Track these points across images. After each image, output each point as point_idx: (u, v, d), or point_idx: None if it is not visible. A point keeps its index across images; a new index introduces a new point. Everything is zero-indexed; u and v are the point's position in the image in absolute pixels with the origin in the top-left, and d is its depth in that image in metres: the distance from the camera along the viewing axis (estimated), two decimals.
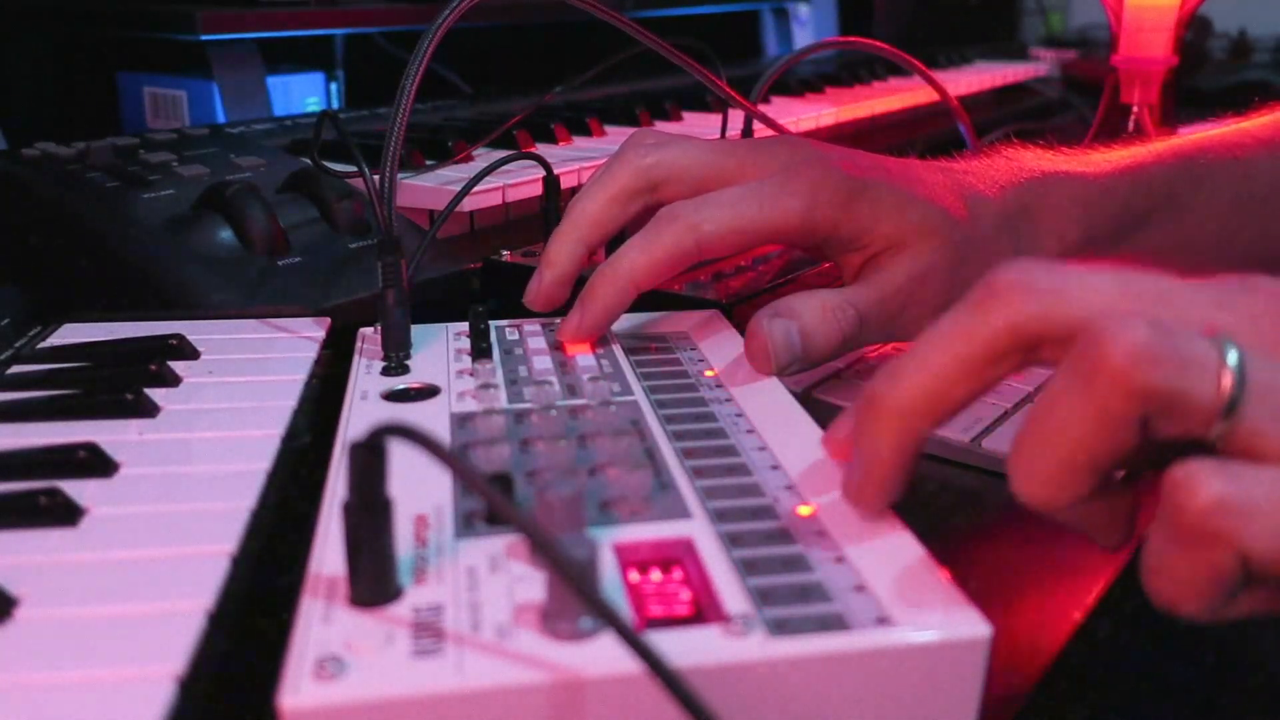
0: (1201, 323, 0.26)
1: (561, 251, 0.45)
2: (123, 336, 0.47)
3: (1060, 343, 0.27)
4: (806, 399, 0.47)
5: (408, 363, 0.43)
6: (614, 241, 0.47)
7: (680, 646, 0.24)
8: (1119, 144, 0.54)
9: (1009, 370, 0.28)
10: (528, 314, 0.48)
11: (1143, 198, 0.52)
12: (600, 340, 0.45)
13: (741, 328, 0.48)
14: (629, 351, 0.44)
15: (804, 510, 0.31)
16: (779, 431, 0.37)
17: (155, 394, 0.41)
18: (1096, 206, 0.50)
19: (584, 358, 0.43)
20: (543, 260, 0.45)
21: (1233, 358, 0.24)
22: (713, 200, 0.43)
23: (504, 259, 0.58)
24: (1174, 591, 0.25)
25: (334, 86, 0.95)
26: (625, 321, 0.47)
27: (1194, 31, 1.37)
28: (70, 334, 0.48)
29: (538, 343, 0.45)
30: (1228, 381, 0.24)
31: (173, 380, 0.43)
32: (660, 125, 0.91)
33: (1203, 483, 0.23)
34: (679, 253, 0.42)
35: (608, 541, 0.29)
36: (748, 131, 0.73)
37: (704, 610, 0.27)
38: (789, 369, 0.41)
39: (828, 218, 0.43)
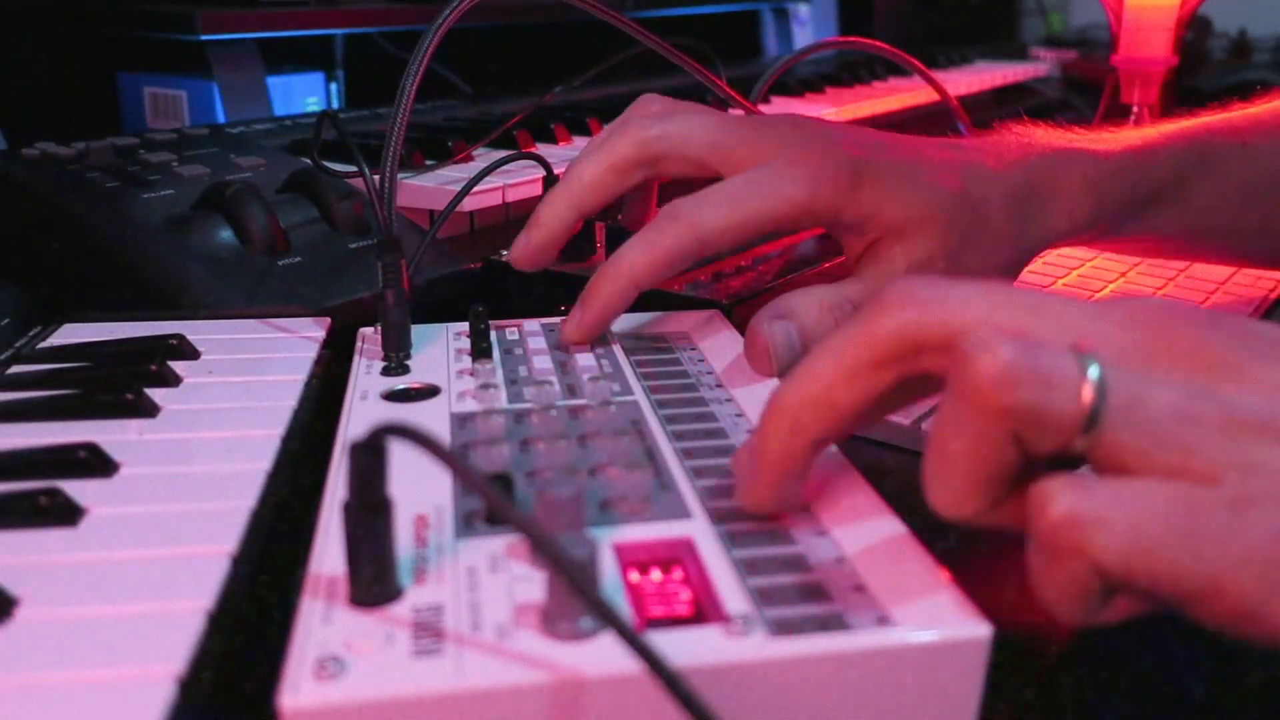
0: (1073, 333, 0.26)
1: (552, 213, 0.44)
2: (123, 336, 0.47)
3: (938, 351, 0.27)
4: None
5: (408, 363, 0.43)
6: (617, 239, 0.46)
7: (680, 646, 0.24)
8: (1129, 125, 0.54)
9: (893, 378, 0.28)
10: (528, 314, 0.48)
11: (1152, 178, 0.51)
12: (600, 340, 0.45)
13: (741, 328, 0.48)
14: (629, 351, 0.44)
15: (803, 509, 0.31)
16: None
17: (155, 394, 0.41)
18: (1107, 185, 0.50)
19: (584, 357, 0.43)
20: (531, 219, 0.45)
21: (1094, 372, 0.25)
22: (713, 197, 0.43)
23: (504, 259, 0.58)
24: (1048, 599, 0.25)
25: (334, 86, 0.95)
26: (625, 321, 0.47)
27: (1194, 31, 1.37)
28: (70, 334, 0.48)
29: (538, 343, 0.45)
30: (1088, 396, 0.25)
31: (173, 380, 0.43)
32: None
33: (1053, 497, 0.24)
34: (681, 252, 0.42)
35: (608, 541, 0.29)
36: None
37: (704, 610, 0.27)
38: (790, 370, 0.41)
39: (830, 204, 0.43)
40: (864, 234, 0.44)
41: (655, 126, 0.45)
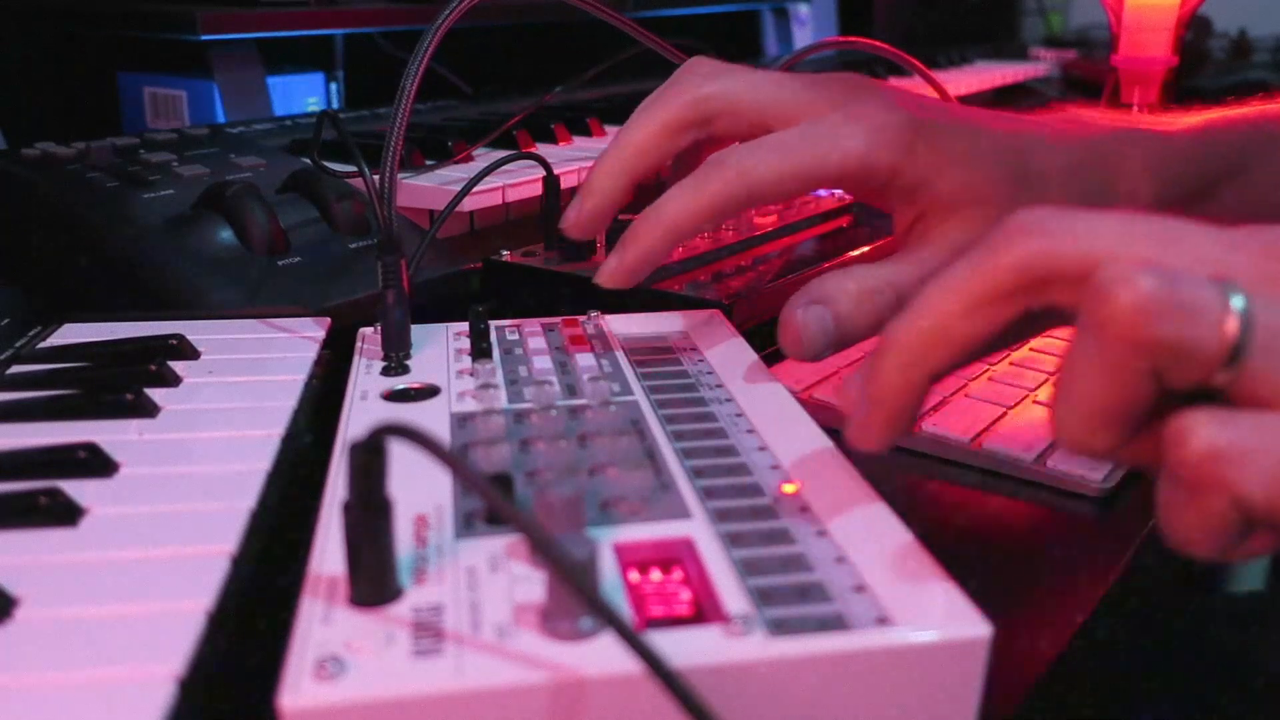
0: (1211, 263, 0.26)
1: (604, 179, 0.43)
2: (123, 336, 0.47)
3: (1067, 283, 0.27)
4: (806, 399, 0.47)
5: (408, 363, 0.43)
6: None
7: (680, 646, 0.24)
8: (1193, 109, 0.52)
9: (1017, 311, 0.28)
10: (528, 314, 0.48)
11: (1216, 160, 0.49)
12: (600, 340, 0.45)
13: (742, 328, 0.48)
14: (629, 351, 0.44)
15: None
16: (779, 431, 0.37)
17: (155, 394, 0.41)
18: (1171, 166, 0.48)
19: (584, 357, 0.43)
20: (583, 187, 0.43)
21: (1238, 302, 0.24)
22: (765, 145, 0.41)
23: (504, 259, 0.58)
24: (1183, 536, 0.25)
25: (334, 86, 0.95)
26: (625, 322, 0.47)
27: (1194, 31, 1.37)
28: (70, 334, 0.48)
29: (538, 343, 0.45)
30: (1232, 328, 0.24)
31: (173, 380, 0.43)
32: None
33: (1194, 431, 0.24)
34: (727, 199, 0.40)
35: (608, 541, 0.29)
36: None
37: (704, 610, 0.27)
38: (823, 355, 0.40)
39: (887, 163, 0.41)
40: (915, 202, 0.42)
41: (708, 84, 0.43)
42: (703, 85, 0.43)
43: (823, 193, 0.71)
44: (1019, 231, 0.27)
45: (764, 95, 0.43)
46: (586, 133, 0.84)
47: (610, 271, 0.42)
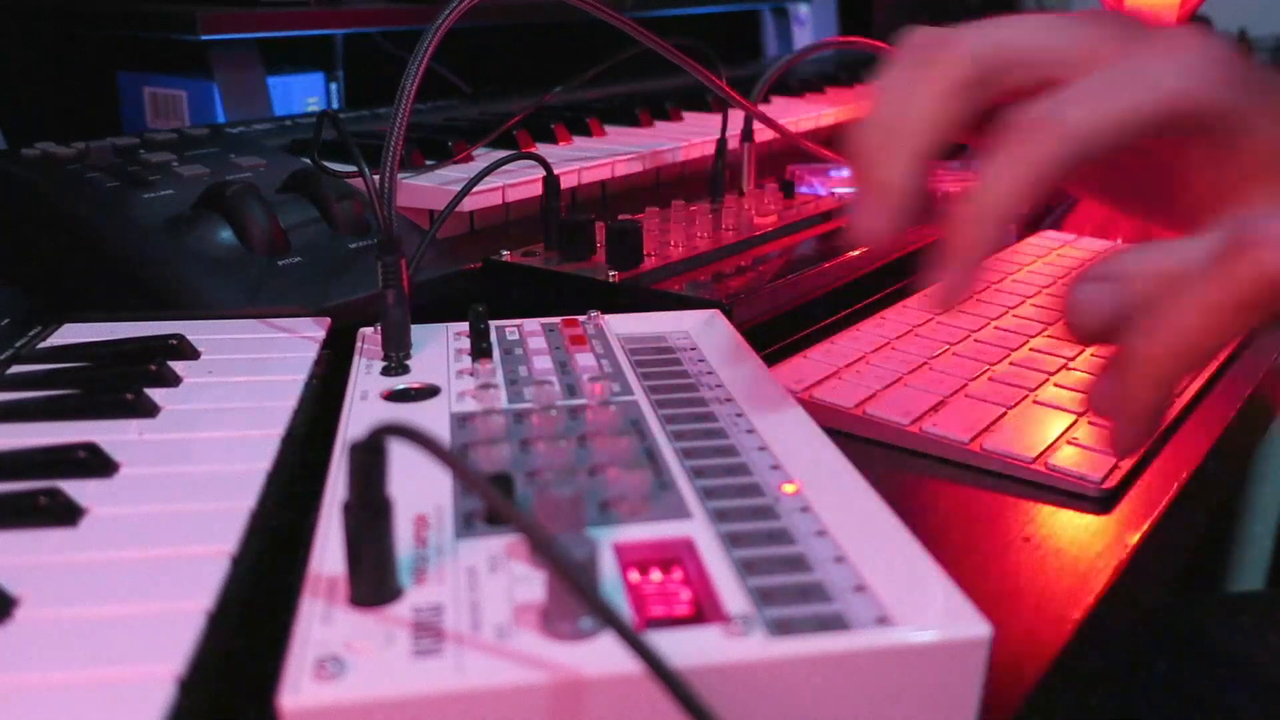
0: None
1: (894, 168, 0.34)
2: (123, 336, 0.47)
3: None
4: (806, 399, 0.47)
5: (408, 363, 0.43)
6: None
7: (680, 646, 0.24)
8: None
9: (1260, 320, 0.29)
10: (528, 314, 0.48)
11: None
12: (600, 340, 0.45)
13: (742, 328, 0.48)
14: (629, 351, 0.44)
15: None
16: (779, 431, 0.37)
17: (155, 394, 0.41)
18: None
19: (584, 357, 0.43)
20: (868, 183, 0.35)
21: None
22: (1080, 96, 0.34)
23: (504, 259, 0.58)
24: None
25: (334, 86, 0.95)
26: (625, 322, 0.47)
27: None
28: (70, 334, 0.48)
29: (538, 343, 0.45)
30: None
31: (173, 380, 0.43)
32: (660, 125, 0.91)
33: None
34: (1057, 165, 0.33)
35: (608, 541, 0.29)
36: (748, 133, 0.73)
37: (704, 610, 0.27)
38: (1105, 339, 0.33)
39: (1221, 101, 0.34)
40: (1232, 155, 0.36)
41: (986, 35, 0.36)
42: (976, 39, 0.36)
43: (822, 191, 0.71)
44: (1265, 241, 0.28)
45: (1048, 42, 0.36)
46: (586, 133, 0.84)
47: (950, 290, 0.34)
